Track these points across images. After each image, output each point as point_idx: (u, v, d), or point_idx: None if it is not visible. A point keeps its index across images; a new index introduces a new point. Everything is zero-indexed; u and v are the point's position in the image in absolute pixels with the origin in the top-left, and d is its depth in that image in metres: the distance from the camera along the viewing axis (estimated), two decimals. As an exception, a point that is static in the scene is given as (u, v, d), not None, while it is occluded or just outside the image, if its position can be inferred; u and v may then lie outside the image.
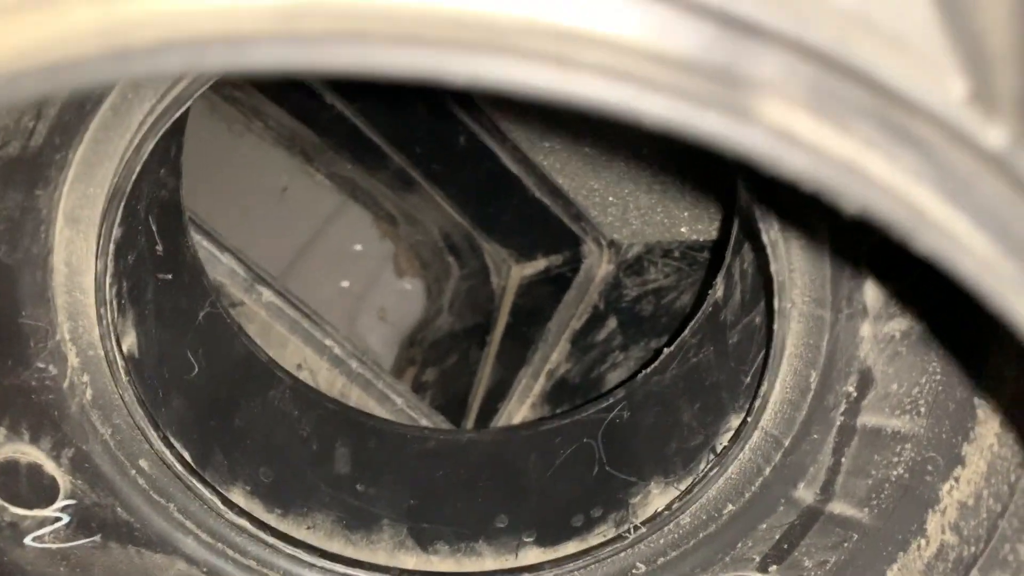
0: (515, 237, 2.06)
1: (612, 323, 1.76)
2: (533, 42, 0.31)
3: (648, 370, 1.24)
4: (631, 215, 1.81)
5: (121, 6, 0.32)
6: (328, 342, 1.53)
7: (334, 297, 2.21)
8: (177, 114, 0.80)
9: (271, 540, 1.01)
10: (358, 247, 2.27)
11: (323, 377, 1.54)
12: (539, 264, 2.06)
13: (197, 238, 1.37)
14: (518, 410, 1.76)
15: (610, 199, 1.81)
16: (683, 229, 1.77)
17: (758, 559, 0.98)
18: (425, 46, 0.30)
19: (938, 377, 0.87)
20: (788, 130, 0.32)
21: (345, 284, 2.27)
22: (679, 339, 1.23)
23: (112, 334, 0.90)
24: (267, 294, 1.47)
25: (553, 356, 1.83)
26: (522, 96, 0.31)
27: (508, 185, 1.86)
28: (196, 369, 1.08)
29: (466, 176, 1.94)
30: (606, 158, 1.68)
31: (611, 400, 1.25)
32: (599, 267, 1.91)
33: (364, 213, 2.22)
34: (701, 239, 1.71)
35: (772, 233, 0.82)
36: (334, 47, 0.30)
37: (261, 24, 0.31)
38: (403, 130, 1.90)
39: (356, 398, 1.56)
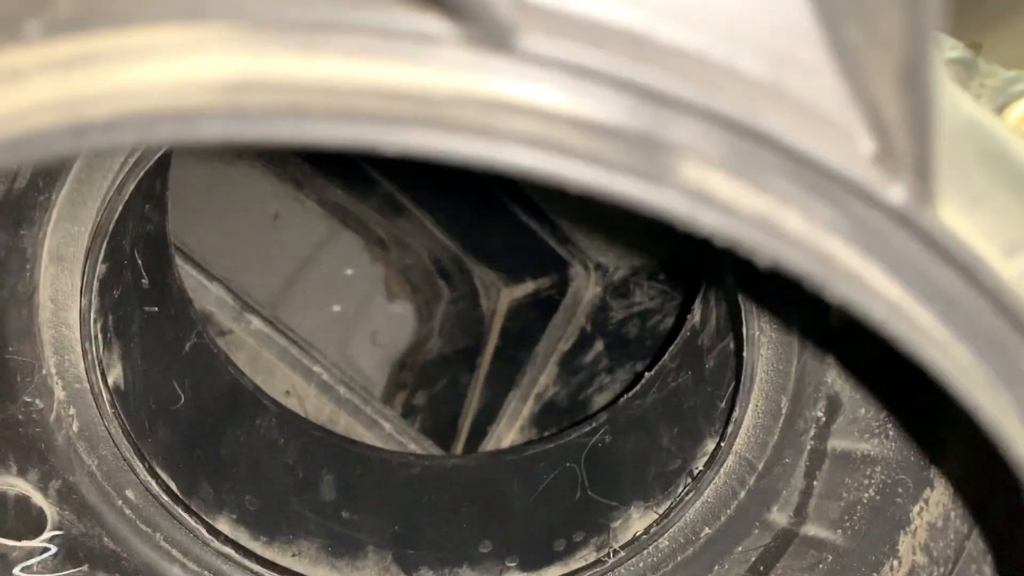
0: (503, 261, 2.08)
1: (599, 345, 1.79)
2: (462, 112, 0.34)
3: (629, 394, 1.26)
4: (617, 238, 1.84)
5: (79, 80, 0.34)
6: (316, 368, 1.55)
7: (326, 321, 2.23)
8: (158, 155, 0.82)
9: (257, 568, 1.02)
10: (349, 271, 2.29)
11: (311, 403, 1.56)
12: (528, 287, 2.08)
13: (185, 268, 1.39)
14: (507, 433, 1.78)
15: (593, 222, 1.84)
16: (664, 251, 1.79)
17: (735, 582, 1.00)
18: (359, 121, 0.32)
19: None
20: (703, 190, 0.35)
21: (337, 308, 2.29)
22: (659, 363, 1.25)
23: (98, 367, 0.92)
24: (255, 322, 1.49)
25: (541, 379, 1.85)
26: (451, 163, 0.33)
27: (496, 210, 1.89)
28: (182, 399, 1.10)
29: (454, 202, 1.96)
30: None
31: (594, 424, 1.27)
32: (586, 290, 1.93)
33: (355, 238, 2.24)
34: (682, 261, 1.74)
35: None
36: (274, 122, 0.32)
37: (207, 98, 0.33)
38: (391, 158, 1.93)
39: (344, 424, 1.58)
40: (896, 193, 0.35)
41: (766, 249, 0.35)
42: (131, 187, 0.84)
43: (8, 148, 0.33)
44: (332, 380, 1.55)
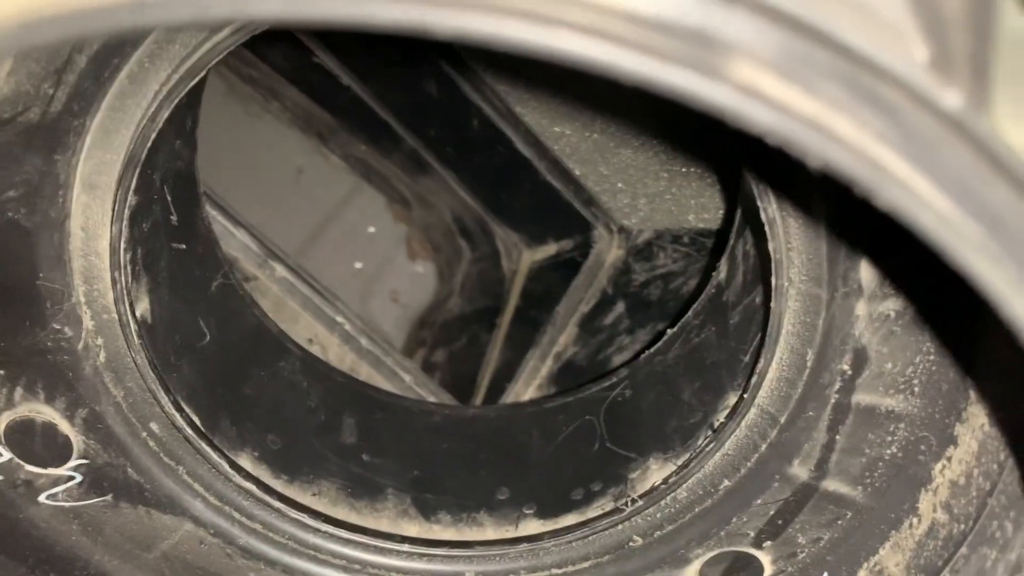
0: (527, 222, 2.08)
1: (620, 307, 1.78)
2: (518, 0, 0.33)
3: (651, 350, 1.26)
4: (640, 202, 1.83)
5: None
6: (339, 319, 1.56)
7: (347, 278, 2.24)
8: (192, 83, 0.83)
9: (277, 504, 1.04)
10: (371, 229, 2.30)
11: (333, 353, 1.57)
12: (550, 249, 2.08)
13: (212, 213, 1.40)
14: (525, 391, 1.78)
15: (619, 185, 1.83)
16: (690, 217, 1.78)
17: (752, 534, 1.00)
18: (414, 1, 0.32)
19: (932, 357, 0.88)
20: (756, 89, 0.34)
21: (358, 266, 2.30)
22: (682, 320, 1.24)
23: (126, 298, 0.93)
24: (280, 270, 1.49)
25: (561, 339, 1.85)
26: (504, 50, 0.33)
27: (521, 169, 1.88)
28: (208, 337, 1.10)
29: (479, 160, 1.96)
30: (614, 144, 1.70)
31: (614, 379, 1.27)
32: (609, 252, 1.93)
33: (378, 196, 2.24)
34: (708, 227, 1.73)
35: (771, 211, 0.84)
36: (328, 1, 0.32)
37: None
38: (417, 113, 1.92)
39: (365, 374, 1.59)
40: (951, 97, 0.34)
41: (817, 150, 0.34)
42: (164, 115, 0.84)
43: (71, 20, 0.33)
44: (354, 331, 1.56)
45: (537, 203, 1.95)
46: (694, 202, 1.73)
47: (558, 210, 1.93)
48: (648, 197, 1.82)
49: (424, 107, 1.90)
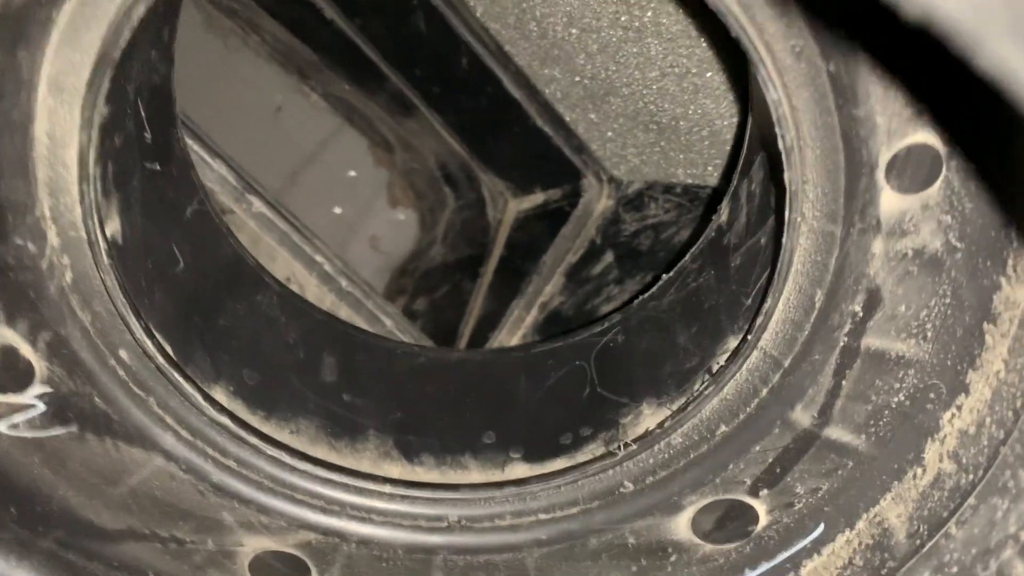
0: (514, 169, 2.02)
1: (608, 257, 1.74)
2: None
3: (645, 296, 1.22)
4: (629, 152, 1.78)
5: None
6: (318, 258, 1.50)
7: (326, 223, 2.17)
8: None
9: (252, 441, 0.98)
10: (352, 173, 2.23)
11: (312, 293, 1.51)
12: (537, 198, 2.03)
13: (188, 142, 1.33)
14: (509, 340, 1.74)
15: (608, 134, 1.78)
16: (679, 171, 1.74)
17: (749, 482, 0.97)
18: None
19: (948, 300, 0.84)
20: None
21: (338, 211, 2.23)
22: (678, 265, 1.20)
23: (95, 215, 0.87)
24: (257, 204, 1.43)
25: (547, 289, 1.81)
26: None
27: (509, 112, 1.82)
28: (181, 264, 1.04)
29: (467, 101, 1.89)
30: (604, 92, 1.65)
31: (606, 324, 1.23)
32: (598, 202, 1.88)
33: (360, 138, 2.17)
34: (696, 183, 1.69)
35: (789, 139, 0.79)
36: None
37: None
38: (403, 50, 1.85)
39: (345, 316, 1.53)
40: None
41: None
42: (140, 12, 0.77)
43: None
44: (334, 271, 1.50)
45: (525, 149, 1.89)
46: (683, 156, 1.69)
47: (546, 157, 1.87)
48: (638, 148, 1.77)
49: (410, 43, 1.83)
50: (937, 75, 0.72)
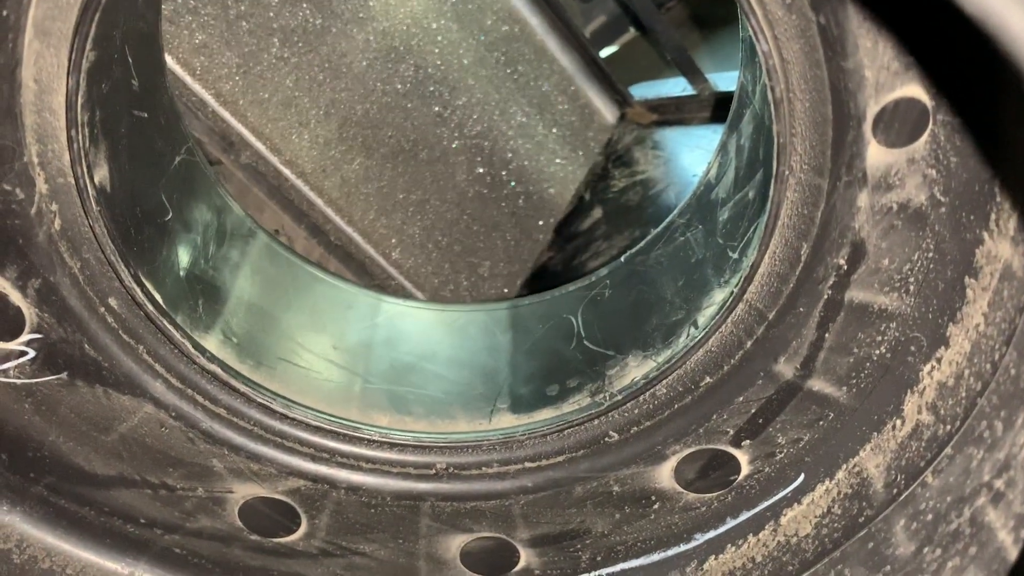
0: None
1: (597, 213, 1.74)
2: None
3: (632, 251, 1.22)
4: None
5: None
6: (306, 210, 1.49)
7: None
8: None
9: (243, 388, 0.99)
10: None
11: (301, 246, 1.51)
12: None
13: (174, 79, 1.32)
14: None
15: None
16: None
17: (732, 432, 0.98)
18: None
19: (931, 254, 0.85)
20: None
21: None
22: (666, 220, 1.20)
23: (83, 162, 0.86)
24: (246, 156, 1.42)
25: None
26: None
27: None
28: (170, 214, 1.04)
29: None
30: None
31: (592, 279, 1.24)
32: (587, 157, 1.87)
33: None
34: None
35: (779, 91, 0.79)
36: None
37: None
38: None
39: (334, 270, 1.53)
40: None
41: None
42: (127, -45, 0.76)
43: None
44: (322, 223, 1.50)
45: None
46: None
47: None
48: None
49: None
50: (925, 27, 0.72)
